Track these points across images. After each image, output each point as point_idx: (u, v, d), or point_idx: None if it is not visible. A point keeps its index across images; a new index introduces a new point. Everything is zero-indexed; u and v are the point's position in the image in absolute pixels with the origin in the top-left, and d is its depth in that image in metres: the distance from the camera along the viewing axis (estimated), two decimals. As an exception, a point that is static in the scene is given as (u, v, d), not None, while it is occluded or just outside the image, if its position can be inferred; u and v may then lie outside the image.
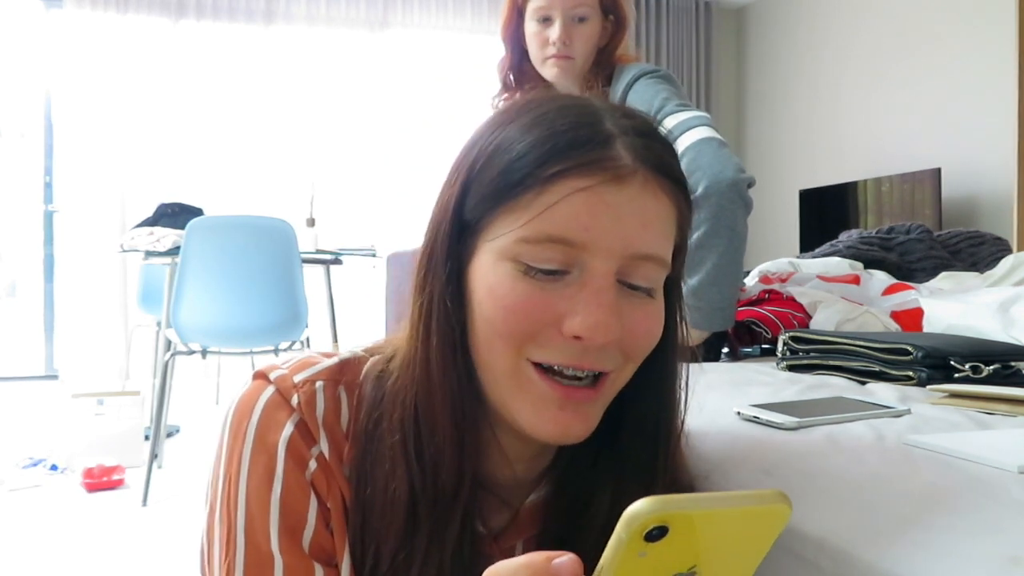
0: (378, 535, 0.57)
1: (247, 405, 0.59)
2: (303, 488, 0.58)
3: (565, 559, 0.40)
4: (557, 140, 0.55)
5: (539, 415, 0.55)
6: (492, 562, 0.61)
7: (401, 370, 0.59)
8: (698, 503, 0.35)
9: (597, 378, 0.57)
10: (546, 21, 1.58)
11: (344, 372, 0.62)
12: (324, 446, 0.59)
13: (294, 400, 0.59)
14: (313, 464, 0.58)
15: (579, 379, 0.56)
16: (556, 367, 0.55)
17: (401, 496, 0.57)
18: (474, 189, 0.57)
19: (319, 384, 0.60)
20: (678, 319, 0.63)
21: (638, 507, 0.34)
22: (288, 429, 0.58)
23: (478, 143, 0.59)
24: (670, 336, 0.61)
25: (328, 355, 0.63)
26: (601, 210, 0.53)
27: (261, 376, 0.61)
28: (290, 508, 0.57)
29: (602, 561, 0.36)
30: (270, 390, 0.59)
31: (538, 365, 0.55)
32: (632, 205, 0.54)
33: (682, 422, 0.64)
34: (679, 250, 0.60)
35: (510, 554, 0.63)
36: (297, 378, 0.60)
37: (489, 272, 0.55)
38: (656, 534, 0.35)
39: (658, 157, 0.57)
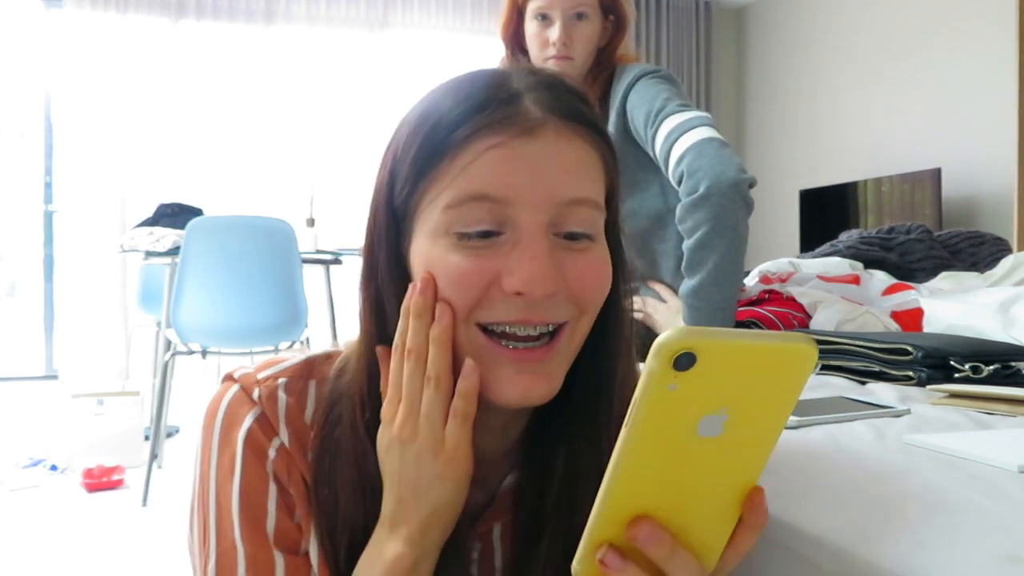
0: (348, 530, 0.59)
1: (215, 405, 0.62)
2: (262, 479, 0.59)
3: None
4: (466, 105, 0.55)
5: (497, 381, 0.55)
6: (469, 546, 0.62)
7: (353, 365, 0.61)
8: (725, 335, 0.36)
9: (553, 335, 0.56)
10: (545, 20, 1.58)
11: (311, 368, 0.63)
12: (285, 437, 0.60)
13: (255, 394, 0.61)
14: (272, 453, 0.60)
15: (534, 340, 0.55)
16: (508, 328, 0.55)
17: (356, 490, 0.58)
18: (399, 173, 0.58)
19: (282, 380, 0.62)
20: (619, 269, 0.62)
21: (666, 335, 0.35)
22: (248, 422, 0.60)
23: (397, 131, 0.59)
24: (614, 286, 0.60)
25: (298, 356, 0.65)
26: (517, 164, 0.54)
27: (228, 378, 0.63)
28: (250, 498, 0.59)
29: (635, 395, 0.37)
30: (235, 388, 0.62)
31: (488, 331, 0.55)
32: (547, 154, 0.54)
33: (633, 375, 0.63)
34: (611, 195, 0.60)
35: (487, 538, 0.64)
36: (261, 375, 0.62)
37: (427, 251, 0.56)
38: (685, 362, 0.35)
39: (567, 105, 0.57)
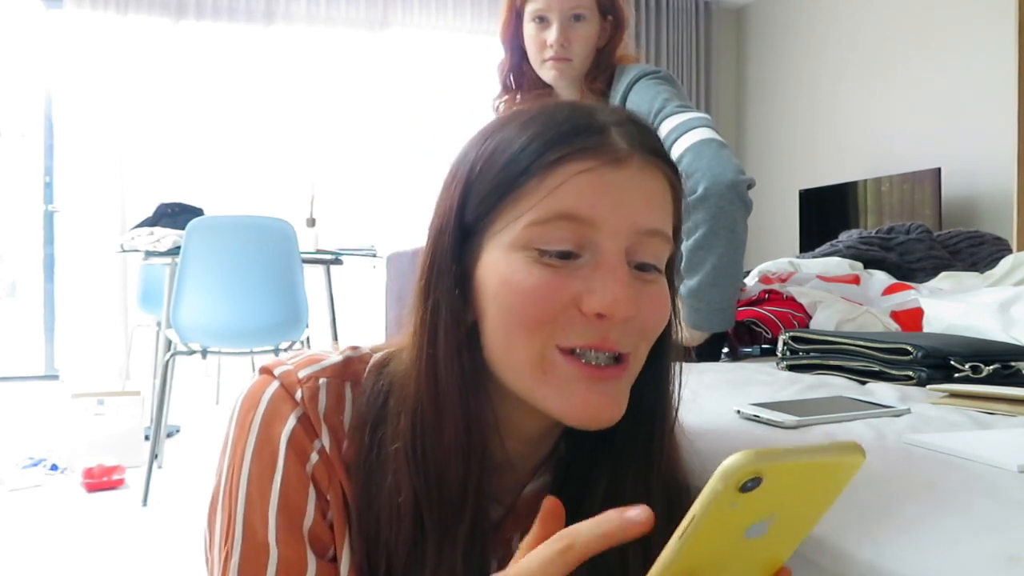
0: (387, 542, 0.58)
1: (253, 399, 0.61)
2: (303, 481, 0.59)
3: (638, 510, 0.42)
4: (556, 130, 0.57)
5: (569, 398, 0.56)
6: (490, 553, 0.62)
7: (404, 379, 0.60)
8: (791, 456, 0.36)
9: (619, 359, 0.57)
10: (543, 21, 1.58)
11: (348, 369, 0.63)
12: (326, 440, 0.60)
13: (298, 395, 0.60)
14: (315, 457, 0.59)
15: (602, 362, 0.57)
16: (580, 351, 0.56)
17: (406, 505, 0.57)
18: (475, 191, 0.58)
19: (323, 381, 0.61)
20: (672, 299, 0.64)
21: (737, 460, 0.35)
22: (291, 422, 0.59)
23: (474, 149, 0.60)
24: (668, 323, 0.63)
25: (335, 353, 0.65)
26: (604, 189, 0.56)
27: (267, 371, 0.62)
28: (289, 500, 0.58)
29: (694, 511, 0.37)
30: (275, 385, 0.61)
31: (561, 349, 0.56)
32: (632, 184, 0.57)
33: (676, 411, 0.65)
34: (676, 231, 0.63)
35: (507, 546, 0.63)
36: (302, 373, 0.61)
37: (501, 264, 0.57)
38: (750, 486, 0.36)
39: (650, 142, 0.60)
